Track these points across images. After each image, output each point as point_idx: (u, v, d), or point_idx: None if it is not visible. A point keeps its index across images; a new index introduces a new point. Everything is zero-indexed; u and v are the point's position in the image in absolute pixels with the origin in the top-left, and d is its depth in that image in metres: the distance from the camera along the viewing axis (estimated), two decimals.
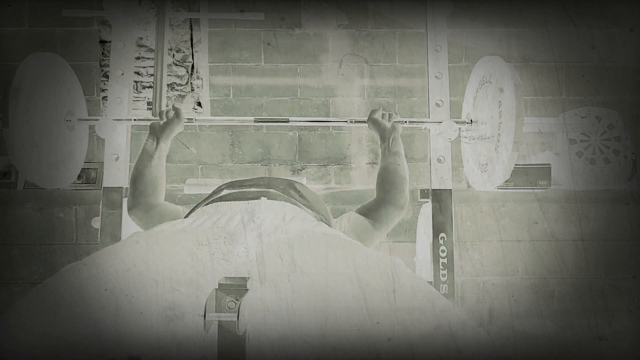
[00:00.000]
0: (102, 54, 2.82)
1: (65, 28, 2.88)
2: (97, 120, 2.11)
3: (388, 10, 2.92)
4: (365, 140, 2.99)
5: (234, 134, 2.98)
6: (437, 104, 2.04)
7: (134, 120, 2.10)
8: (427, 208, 2.04)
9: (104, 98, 2.79)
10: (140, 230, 1.74)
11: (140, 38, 2.69)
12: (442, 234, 1.96)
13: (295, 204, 1.60)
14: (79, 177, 2.89)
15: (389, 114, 1.98)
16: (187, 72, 2.90)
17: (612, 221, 2.74)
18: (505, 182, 2.18)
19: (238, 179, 1.86)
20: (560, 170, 2.85)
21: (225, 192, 1.71)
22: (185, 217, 1.63)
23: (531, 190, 2.78)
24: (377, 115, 1.97)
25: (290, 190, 1.71)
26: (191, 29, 2.86)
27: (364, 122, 2.01)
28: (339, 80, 2.95)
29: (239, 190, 1.70)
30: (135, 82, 2.79)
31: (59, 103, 2.03)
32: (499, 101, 1.83)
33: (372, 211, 1.81)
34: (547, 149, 2.88)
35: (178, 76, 2.89)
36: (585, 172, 2.82)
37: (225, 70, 2.96)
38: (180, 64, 2.88)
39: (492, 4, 2.83)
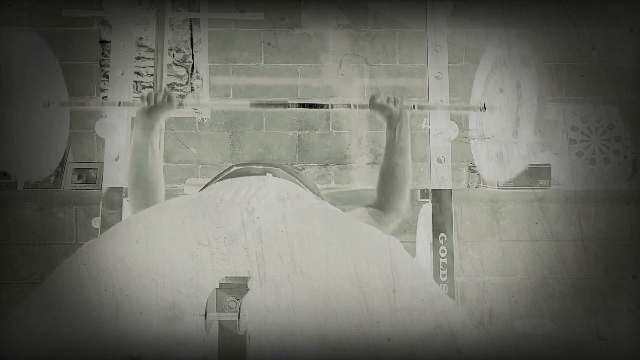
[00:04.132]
0: (102, 54, 2.82)
1: (65, 28, 2.88)
2: (82, 104, 2.02)
3: (388, 10, 2.92)
4: (365, 140, 2.99)
5: (234, 134, 2.98)
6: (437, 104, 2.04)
7: (119, 104, 1.98)
8: (427, 208, 2.04)
9: (104, 98, 2.79)
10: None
11: (140, 38, 2.69)
12: (442, 234, 1.96)
13: (299, 184, 1.62)
14: (79, 177, 2.88)
15: (394, 97, 1.86)
16: (187, 72, 2.89)
17: (612, 221, 2.74)
18: (506, 182, 2.11)
19: (247, 162, 1.88)
20: (560, 170, 2.85)
21: (234, 169, 1.73)
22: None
23: (531, 190, 2.78)
24: (381, 100, 1.85)
25: (293, 172, 1.73)
26: (191, 29, 2.86)
27: (367, 107, 1.90)
28: (339, 80, 2.95)
29: (246, 167, 1.71)
30: (135, 82, 2.79)
31: (36, 86, 1.90)
32: (517, 81, 1.76)
33: (372, 215, 1.80)
34: (547, 149, 2.88)
35: (178, 76, 2.89)
36: (585, 172, 2.82)
37: (225, 70, 2.95)
38: (180, 64, 2.88)
39: (492, 4, 2.83)
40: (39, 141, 1.92)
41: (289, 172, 1.69)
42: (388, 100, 1.85)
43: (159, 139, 1.88)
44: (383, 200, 1.83)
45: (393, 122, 1.85)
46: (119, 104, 1.99)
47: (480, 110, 1.93)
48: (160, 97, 1.81)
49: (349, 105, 1.99)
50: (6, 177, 2.62)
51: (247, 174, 1.60)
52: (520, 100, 1.75)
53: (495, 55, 1.90)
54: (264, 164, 1.75)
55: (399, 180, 1.83)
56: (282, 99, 1.90)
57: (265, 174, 1.55)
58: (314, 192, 1.68)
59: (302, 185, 1.64)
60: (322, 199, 1.72)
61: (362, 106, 1.95)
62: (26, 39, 1.90)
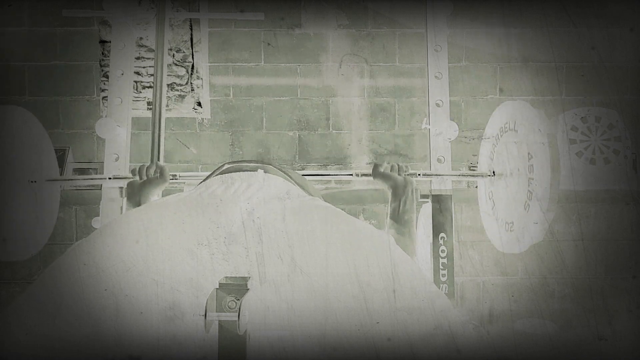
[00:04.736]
0: (102, 54, 2.82)
1: (65, 28, 2.88)
2: (68, 180, 1.95)
3: (388, 10, 2.92)
4: (365, 140, 2.99)
5: (234, 134, 2.98)
6: (437, 104, 2.04)
7: (110, 178, 1.91)
8: (427, 208, 2.04)
9: (104, 98, 2.79)
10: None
11: (140, 38, 2.69)
12: (442, 234, 1.96)
13: (290, 181, 1.61)
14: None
15: (398, 165, 1.80)
16: (187, 72, 2.89)
17: (612, 221, 2.74)
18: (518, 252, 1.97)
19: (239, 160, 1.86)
20: (560, 170, 2.84)
21: (226, 166, 1.71)
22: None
23: None
24: (385, 168, 1.80)
25: (284, 170, 1.73)
26: (191, 29, 2.86)
27: (370, 175, 1.85)
28: (339, 80, 2.95)
29: (238, 165, 1.70)
30: (135, 82, 2.79)
31: (23, 162, 1.82)
32: (528, 153, 1.69)
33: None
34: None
35: (178, 76, 2.89)
36: (585, 172, 2.82)
37: (225, 70, 2.95)
38: (180, 64, 2.88)
39: (492, 4, 2.83)
40: (25, 218, 1.84)
41: (279, 170, 1.69)
42: (392, 168, 1.80)
43: None
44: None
45: (398, 192, 1.78)
46: (109, 179, 1.92)
47: (489, 176, 1.88)
48: (152, 171, 1.76)
49: (351, 174, 1.92)
50: None
51: (239, 170, 1.60)
52: (532, 173, 1.70)
53: (503, 119, 1.82)
54: (255, 162, 1.75)
55: (402, 246, 1.75)
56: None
57: (256, 170, 1.54)
58: (304, 189, 1.68)
59: (293, 182, 1.64)
60: (316, 196, 1.72)
61: (365, 175, 1.88)
62: (15, 114, 1.83)
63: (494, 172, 1.86)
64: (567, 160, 2.82)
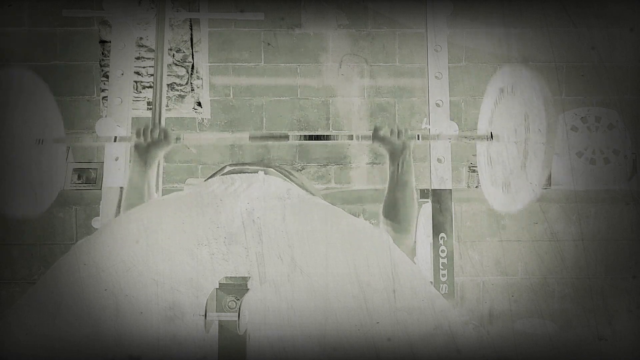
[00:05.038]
0: (102, 54, 2.82)
1: (65, 28, 2.88)
2: (77, 141, 1.96)
3: (388, 10, 2.92)
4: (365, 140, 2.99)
5: (234, 134, 2.98)
6: (437, 104, 2.04)
7: (115, 139, 1.90)
8: (427, 208, 2.04)
9: (104, 98, 2.79)
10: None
11: (140, 38, 2.69)
12: (442, 234, 1.96)
13: (291, 181, 1.62)
14: (79, 177, 2.89)
15: (398, 129, 1.81)
16: (187, 72, 2.90)
17: (612, 221, 2.74)
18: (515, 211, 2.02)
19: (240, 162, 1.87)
20: (560, 170, 2.85)
21: (228, 169, 1.74)
22: None
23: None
24: (384, 132, 1.81)
25: (285, 171, 1.73)
26: (191, 29, 2.86)
27: (369, 138, 1.86)
28: (339, 80, 2.95)
29: (239, 167, 1.72)
30: (135, 82, 2.79)
31: (31, 123, 1.83)
32: (525, 114, 1.72)
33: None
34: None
35: (178, 76, 2.89)
36: (585, 172, 2.82)
37: (225, 70, 2.95)
38: (180, 64, 2.88)
39: (492, 4, 2.83)
40: (33, 178, 1.85)
41: (281, 172, 1.70)
42: (392, 132, 1.80)
43: (156, 177, 1.83)
44: (389, 222, 1.80)
45: (396, 155, 1.80)
46: (115, 139, 1.92)
47: (487, 139, 1.89)
48: (155, 134, 1.76)
49: (352, 137, 1.90)
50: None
51: (240, 172, 1.60)
52: (528, 134, 1.72)
53: (502, 83, 1.86)
54: (256, 164, 1.75)
55: (402, 215, 1.77)
56: (282, 132, 1.76)
57: (257, 172, 1.54)
58: (307, 191, 1.68)
59: (294, 183, 1.65)
60: (315, 195, 1.73)
61: (364, 138, 1.88)
62: (20, 75, 1.84)
63: (492, 135, 1.87)
64: (567, 160, 2.82)
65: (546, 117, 1.65)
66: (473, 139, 1.95)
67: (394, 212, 1.79)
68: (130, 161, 1.84)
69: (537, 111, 1.67)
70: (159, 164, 1.88)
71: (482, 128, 1.97)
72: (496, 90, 1.89)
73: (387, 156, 1.84)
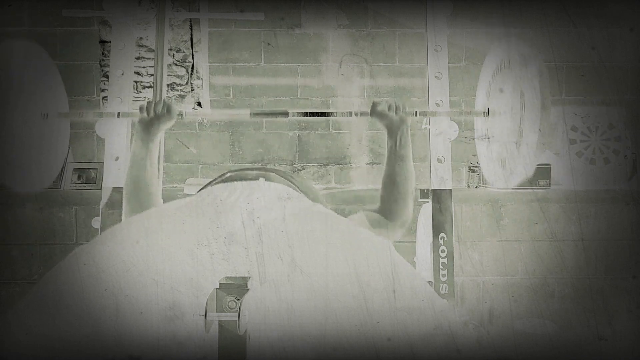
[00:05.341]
0: (102, 54, 2.82)
1: (65, 28, 2.88)
2: (81, 115, 1.99)
3: (388, 10, 2.92)
4: (365, 140, 2.99)
5: (234, 134, 2.98)
6: (437, 104, 2.03)
7: (118, 115, 1.95)
8: (427, 208, 2.04)
9: (104, 98, 2.79)
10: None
11: (140, 38, 2.69)
12: (442, 234, 1.95)
13: (292, 187, 1.61)
14: (79, 177, 2.89)
15: (396, 105, 1.81)
16: (187, 72, 2.90)
17: (612, 221, 2.74)
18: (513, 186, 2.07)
19: (241, 168, 1.87)
20: (560, 170, 2.85)
21: (228, 174, 1.73)
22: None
23: (531, 190, 2.78)
24: (382, 108, 1.81)
25: (287, 176, 1.73)
26: (191, 29, 2.86)
27: (368, 114, 1.87)
28: (339, 80, 2.95)
29: (240, 172, 1.71)
30: (135, 82, 2.79)
31: (36, 97, 1.86)
32: (521, 91, 1.73)
33: (373, 221, 1.79)
34: (547, 149, 2.88)
35: (178, 76, 2.89)
36: (585, 172, 2.82)
37: (225, 70, 2.95)
38: (180, 64, 2.88)
39: (492, 4, 2.83)
40: (37, 152, 1.88)
41: (283, 177, 1.69)
42: (390, 108, 1.81)
43: (158, 151, 1.84)
44: (387, 209, 1.81)
45: (394, 130, 1.82)
46: (118, 115, 1.95)
47: (484, 115, 1.91)
48: (159, 108, 1.78)
49: (350, 114, 1.93)
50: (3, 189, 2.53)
51: (241, 179, 1.60)
52: (523, 109, 1.73)
53: (499, 57, 1.88)
54: (257, 169, 1.75)
55: (401, 189, 1.79)
56: (282, 109, 1.81)
57: (258, 179, 1.54)
58: (308, 196, 1.68)
59: (296, 188, 1.64)
60: (319, 201, 1.72)
61: (363, 113, 1.89)
62: (25, 47, 1.87)
63: (488, 111, 1.89)
64: (567, 160, 2.82)
65: (541, 93, 1.66)
66: (470, 114, 1.96)
67: (392, 188, 1.79)
68: (133, 135, 1.86)
69: (533, 88, 1.68)
70: (160, 142, 1.89)
71: (479, 102, 1.99)
72: (492, 65, 1.91)
73: (385, 132, 1.85)
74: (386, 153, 1.85)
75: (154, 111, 1.78)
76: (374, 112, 1.84)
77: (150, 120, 1.78)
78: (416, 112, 1.91)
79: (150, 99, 1.87)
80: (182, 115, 1.86)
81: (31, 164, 1.86)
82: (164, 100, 1.84)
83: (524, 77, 1.74)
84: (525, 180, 1.79)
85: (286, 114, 1.93)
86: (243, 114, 2.04)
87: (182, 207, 1.42)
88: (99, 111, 1.96)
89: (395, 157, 1.81)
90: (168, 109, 1.78)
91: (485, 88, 1.97)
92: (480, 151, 2.02)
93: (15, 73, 1.81)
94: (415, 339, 1.21)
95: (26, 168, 1.84)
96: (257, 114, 1.98)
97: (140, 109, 1.81)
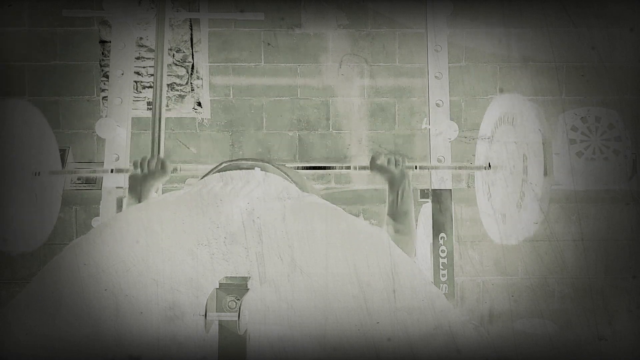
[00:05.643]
0: (102, 54, 2.82)
1: (65, 28, 2.88)
2: (73, 173, 1.95)
3: (388, 10, 2.92)
4: (365, 140, 2.99)
5: (234, 134, 2.98)
6: (437, 104, 2.04)
7: (111, 171, 1.92)
8: (427, 208, 2.04)
9: (104, 98, 2.79)
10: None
11: (140, 38, 2.69)
12: (442, 234, 1.95)
13: (287, 179, 1.61)
14: (79, 177, 2.89)
15: (395, 158, 1.79)
16: (187, 72, 2.90)
17: (612, 221, 2.74)
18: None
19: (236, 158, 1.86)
20: (560, 170, 2.85)
21: (224, 165, 1.72)
22: None
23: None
24: (382, 162, 1.79)
25: (282, 168, 1.73)
26: (191, 29, 2.86)
27: (367, 168, 1.84)
28: (339, 80, 2.95)
29: (235, 162, 1.70)
30: (135, 82, 2.79)
31: (27, 155, 1.81)
32: (524, 155, 1.70)
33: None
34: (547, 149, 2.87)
35: (178, 76, 2.89)
36: (585, 172, 2.82)
37: (225, 70, 2.95)
38: (180, 64, 2.88)
39: (492, 4, 2.83)
40: (29, 211, 1.83)
41: (277, 167, 1.69)
42: (389, 162, 1.78)
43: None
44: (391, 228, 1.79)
45: (395, 184, 1.78)
46: (112, 171, 1.92)
47: (485, 169, 1.89)
48: (153, 165, 1.75)
49: (349, 167, 1.92)
50: None
51: (237, 168, 1.60)
52: (526, 175, 1.71)
53: (501, 110, 1.84)
54: (253, 159, 1.75)
55: (402, 243, 1.75)
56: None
57: (253, 168, 1.54)
58: (301, 187, 1.68)
59: (290, 179, 1.64)
60: (312, 193, 1.72)
61: (362, 168, 1.86)
62: (20, 107, 1.83)
63: (489, 165, 1.87)
64: (567, 160, 2.82)
65: (545, 160, 1.63)
66: (471, 168, 1.94)
67: (393, 236, 1.76)
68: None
69: (537, 153, 1.65)
70: (157, 191, 1.86)
71: (480, 156, 1.94)
72: (494, 120, 1.86)
73: (387, 185, 1.81)
74: (387, 203, 1.81)
75: (148, 167, 1.74)
76: (373, 166, 1.81)
77: (144, 176, 1.75)
78: (416, 166, 1.87)
79: (145, 156, 1.79)
80: (176, 170, 1.83)
81: (22, 224, 1.80)
82: (158, 156, 1.81)
83: (527, 140, 1.71)
84: (527, 238, 1.74)
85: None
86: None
87: (180, 201, 1.41)
88: (92, 168, 1.94)
89: (397, 212, 1.78)
90: (162, 166, 1.75)
91: (486, 141, 1.92)
92: (482, 207, 1.97)
93: (10, 132, 1.77)
94: (415, 339, 1.21)
95: (18, 228, 1.79)
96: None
97: (134, 164, 1.76)
